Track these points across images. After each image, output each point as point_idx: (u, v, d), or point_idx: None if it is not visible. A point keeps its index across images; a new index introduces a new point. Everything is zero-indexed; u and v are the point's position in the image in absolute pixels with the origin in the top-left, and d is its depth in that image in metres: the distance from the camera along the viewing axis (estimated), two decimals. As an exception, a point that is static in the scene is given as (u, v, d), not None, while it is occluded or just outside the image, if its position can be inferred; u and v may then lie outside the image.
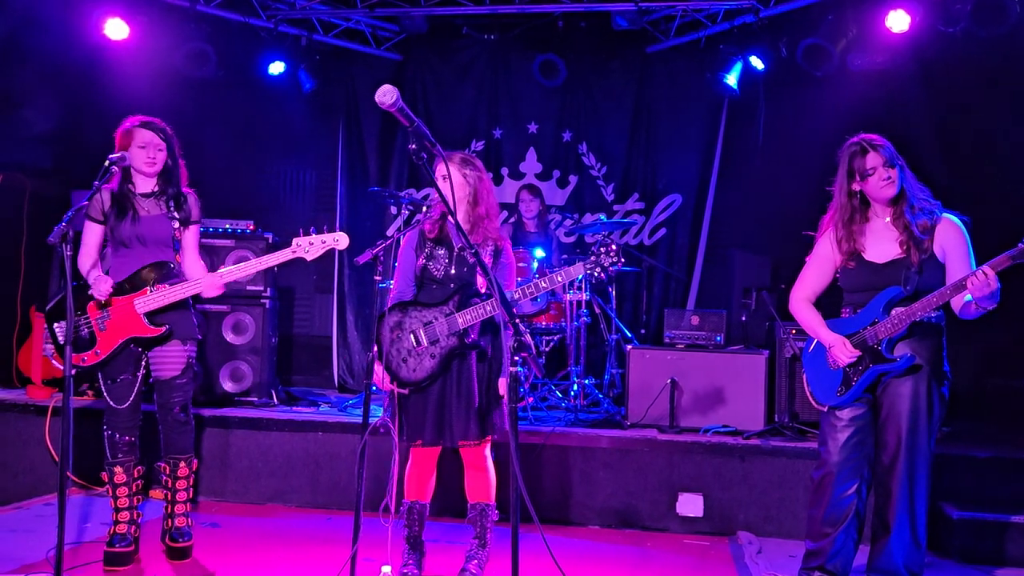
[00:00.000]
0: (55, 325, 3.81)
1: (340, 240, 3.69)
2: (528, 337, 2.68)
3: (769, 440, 4.84)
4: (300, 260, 3.77)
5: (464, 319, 3.40)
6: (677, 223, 7.21)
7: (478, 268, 3.45)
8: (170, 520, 3.96)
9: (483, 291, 3.49)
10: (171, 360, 3.84)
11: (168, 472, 3.94)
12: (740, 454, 4.73)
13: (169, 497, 3.96)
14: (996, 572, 4.11)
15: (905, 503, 3.28)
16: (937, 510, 4.35)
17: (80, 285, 3.78)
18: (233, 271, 3.85)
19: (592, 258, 3.33)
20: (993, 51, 5.71)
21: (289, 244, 3.76)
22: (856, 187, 3.36)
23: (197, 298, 3.94)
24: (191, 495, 4.03)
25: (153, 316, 3.75)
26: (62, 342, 3.76)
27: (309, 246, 3.69)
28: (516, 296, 3.39)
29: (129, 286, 3.77)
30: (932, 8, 5.63)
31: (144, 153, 3.78)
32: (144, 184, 3.87)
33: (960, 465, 4.58)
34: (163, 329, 3.75)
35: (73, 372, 3.63)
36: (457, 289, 3.49)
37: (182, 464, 3.94)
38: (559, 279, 3.38)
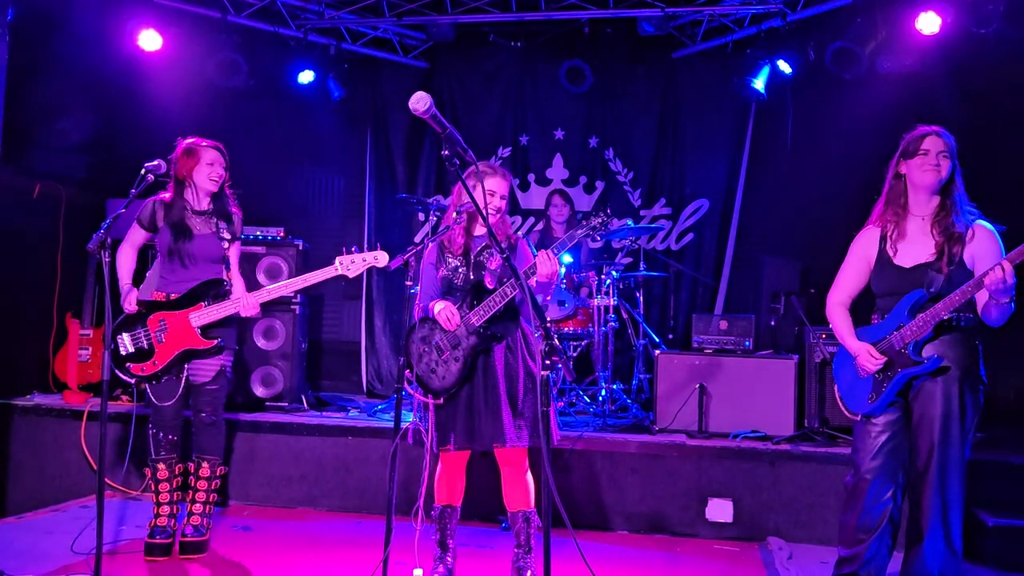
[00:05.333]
0: (118, 336, 3.96)
1: (380, 258, 3.79)
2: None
3: (799, 445, 4.81)
4: (319, 256, 3.91)
5: (477, 316, 3.49)
6: (704, 228, 7.18)
7: (486, 270, 3.58)
8: (187, 517, 4.12)
9: (490, 287, 3.55)
10: (206, 367, 4.05)
11: (192, 471, 4.14)
12: (770, 459, 4.71)
13: (191, 496, 4.14)
14: (1032, 579, 4.06)
15: (938, 509, 3.24)
16: (972, 517, 4.29)
17: (140, 300, 4.01)
18: (270, 291, 4.02)
19: (584, 222, 3.43)
20: (1026, 52, 5.65)
21: (331, 261, 3.90)
22: (903, 169, 3.34)
23: None
24: (212, 499, 4.18)
25: (206, 330, 3.96)
26: (123, 353, 3.97)
27: (351, 264, 3.80)
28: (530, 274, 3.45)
29: (185, 301, 3.97)
30: (963, 9, 5.57)
31: (212, 170, 4.01)
32: (198, 202, 4.08)
33: (996, 471, 4.53)
34: (216, 342, 3.97)
35: (134, 380, 3.92)
36: (468, 291, 3.57)
37: (205, 464, 4.13)
38: (555, 251, 3.40)
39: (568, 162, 7.42)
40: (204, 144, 4.03)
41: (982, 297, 3.13)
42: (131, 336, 3.95)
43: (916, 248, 3.31)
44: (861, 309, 3.52)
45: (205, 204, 4.08)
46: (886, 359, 3.28)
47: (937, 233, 3.26)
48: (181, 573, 3.85)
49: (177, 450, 4.09)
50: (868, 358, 3.30)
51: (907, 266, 3.29)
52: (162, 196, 4.06)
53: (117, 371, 3.89)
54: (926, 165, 3.27)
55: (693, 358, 5.32)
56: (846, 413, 3.46)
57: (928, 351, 3.24)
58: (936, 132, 3.32)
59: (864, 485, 3.33)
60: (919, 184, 3.31)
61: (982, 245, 3.22)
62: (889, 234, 3.37)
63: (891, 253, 3.35)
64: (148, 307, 3.99)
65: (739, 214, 7.11)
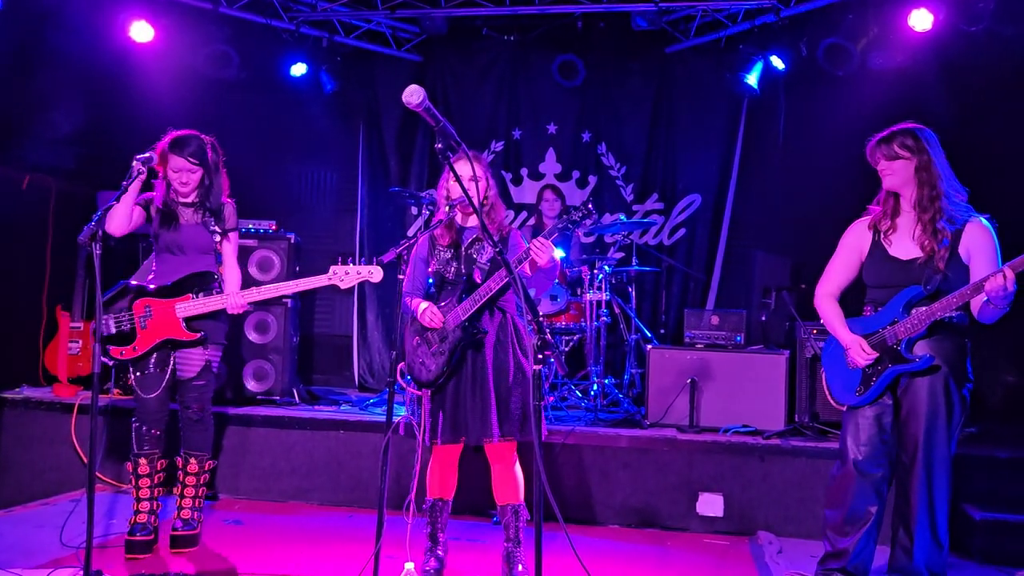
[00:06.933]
0: (103, 317, 3.95)
1: (375, 274, 3.78)
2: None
3: (789, 440, 4.83)
4: (311, 250, 3.86)
5: (464, 309, 3.50)
6: (697, 223, 7.20)
7: (476, 264, 3.59)
8: (177, 511, 4.12)
9: (479, 281, 3.56)
10: (192, 361, 4.03)
11: (181, 466, 4.14)
12: (760, 454, 4.73)
13: (179, 491, 4.14)
14: (1018, 573, 4.07)
15: (924, 503, 3.26)
16: (959, 511, 4.32)
17: (125, 285, 4.00)
18: (261, 291, 3.99)
19: (564, 216, 3.42)
20: (1016, 50, 5.67)
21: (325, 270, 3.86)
22: None
23: None
24: (201, 492, 4.17)
25: (190, 321, 3.94)
26: (105, 334, 3.95)
27: (345, 275, 3.79)
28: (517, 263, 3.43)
29: (173, 290, 3.95)
30: (954, 7, 5.60)
31: (177, 177, 3.97)
32: (183, 194, 4.04)
33: (982, 466, 4.56)
34: (198, 335, 3.95)
35: (112, 363, 3.92)
36: (458, 286, 3.59)
37: (193, 461, 4.12)
38: (538, 244, 3.38)
39: (561, 157, 7.42)
40: (170, 149, 3.91)
41: (979, 299, 3.14)
42: (115, 318, 3.95)
43: (908, 242, 3.33)
44: (849, 301, 3.54)
45: (192, 197, 4.04)
46: (877, 354, 3.30)
47: (926, 234, 3.27)
48: (173, 566, 3.84)
49: (160, 445, 4.05)
50: (860, 352, 3.32)
51: (903, 258, 3.31)
52: (152, 194, 4.03)
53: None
54: (881, 175, 3.37)
55: (684, 353, 5.34)
56: (832, 403, 3.49)
57: (919, 348, 3.25)
58: (875, 141, 3.37)
59: (850, 478, 3.35)
60: (884, 187, 3.39)
61: (976, 242, 3.23)
62: (884, 227, 3.39)
63: (886, 244, 3.37)
64: (136, 292, 3.97)
65: (731, 209, 7.12)
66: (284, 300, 5.88)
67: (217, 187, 4.06)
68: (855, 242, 3.48)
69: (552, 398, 5.84)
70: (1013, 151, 5.99)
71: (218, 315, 4.03)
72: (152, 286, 3.98)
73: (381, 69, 7.57)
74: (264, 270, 5.84)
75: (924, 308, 3.20)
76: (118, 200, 3.65)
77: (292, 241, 5.92)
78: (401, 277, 3.30)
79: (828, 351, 3.54)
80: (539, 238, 3.38)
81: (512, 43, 7.43)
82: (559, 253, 5.92)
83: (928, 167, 3.27)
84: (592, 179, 7.36)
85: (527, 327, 3.66)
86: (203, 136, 4.04)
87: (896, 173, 3.32)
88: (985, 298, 3.08)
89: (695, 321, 5.56)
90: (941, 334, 3.25)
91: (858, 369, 3.36)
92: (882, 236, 3.39)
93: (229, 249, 4.12)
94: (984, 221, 3.27)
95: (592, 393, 5.80)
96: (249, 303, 3.99)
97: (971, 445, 4.75)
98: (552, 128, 7.44)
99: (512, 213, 7.41)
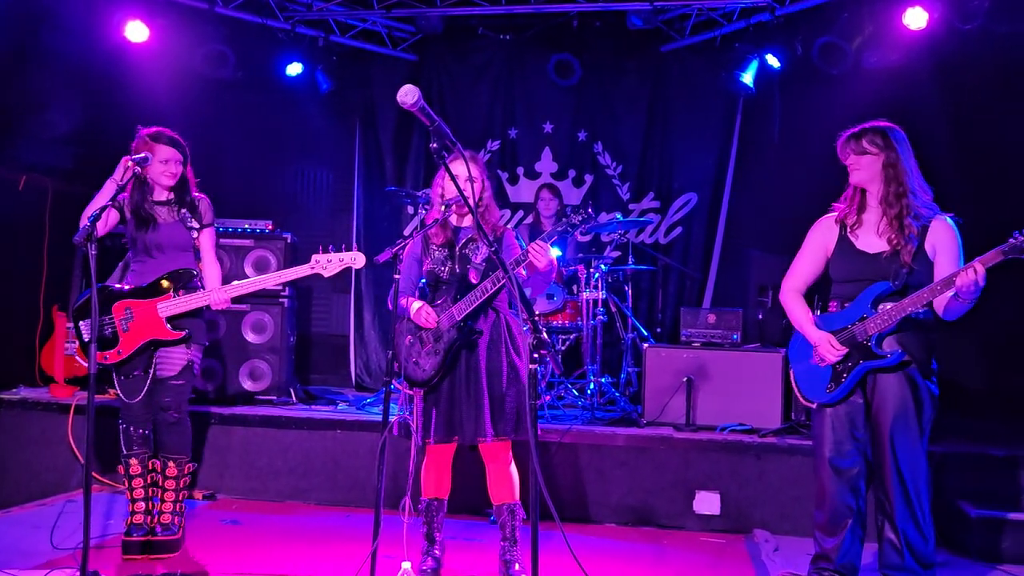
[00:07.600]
0: (81, 323, 3.92)
1: (357, 259, 3.79)
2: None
3: (785, 438, 4.84)
4: (308, 249, 3.87)
5: (459, 309, 3.50)
6: (693, 222, 7.21)
7: (471, 264, 3.59)
8: (157, 515, 4.04)
9: (474, 282, 3.56)
10: (173, 360, 3.97)
11: (159, 469, 4.05)
12: (756, 452, 4.74)
13: (160, 495, 4.05)
14: (1015, 570, 4.09)
15: (901, 498, 3.27)
16: (955, 508, 4.34)
17: (105, 286, 3.93)
18: (243, 285, 3.95)
19: (563, 219, 3.42)
20: (1010, 49, 5.68)
21: (308, 258, 3.86)
22: None
23: None
24: (182, 496, 4.10)
25: (173, 320, 3.89)
26: (87, 339, 3.88)
27: (328, 263, 3.78)
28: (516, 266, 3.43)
29: (152, 290, 3.90)
30: (949, 5, 5.61)
31: (166, 168, 3.92)
32: (160, 193, 4.00)
33: (978, 463, 4.57)
34: (183, 333, 3.90)
35: (95, 369, 3.79)
36: (452, 285, 3.59)
37: (171, 464, 4.04)
38: (537, 248, 3.38)
39: (557, 156, 7.42)
40: (158, 139, 3.89)
41: (943, 295, 3.16)
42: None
43: (876, 236, 3.35)
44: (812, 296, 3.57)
45: (166, 195, 3.99)
46: (847, 350, 3.31)
47: (892, 230, 3.29)
48: (169, 566, 3.84)
49: (149, 445, 4.02)
50: (829, 349, 3.33)
51: (871, 252, 3.33)
52: (125, 195, 3.95)
53: (79, 358, 3.83)
54: (850, 169, 3.40)
55: (681, 351, 5.35)
56: (802, 400, 3.49)
57: (888, 344, 3.27)
58: (845, 137, 3.42)
59: (828, 478, 3.36)
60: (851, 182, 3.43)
61: (940, 238, 3.26)
62: (850, 221, 3.41)
63: (853, 238, 3.39)
64: (114, 295, 3.91)
65: (727, 208, 7.13)
66: (281, 300, 5.88)
67: (188, 180, 4.04)
68: (821, 237, 3.50)
69: (549, 397, 5.84)
70: (1005, 149, 6.00)
71: (200, 314, 3.99)
72: (127, 287, 3.94)
73: (377, 69, 7.56)
74: (261, 270, 5.84)
75: (893, 304, 3.22)
76: (113, 200, 3.65)
77: (288, 241, 5.92)
78: (397, 276, 3.30)
79: (795, 348, 3.54)
80: (537, 241, 3.38)
81: (508, 42, 7.43)
82: (555, 252, 5.94)
83: (895, 164, 3.30)
84: (588, 178, 7.36)
85: (520, 325, 3.67)
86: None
87: (864, 168, 3.35)
88: (952, 293, 3.10)
89: (691, 320, 5.57)
90: (909, 330, 3.27)
91: (827, 366, 3.37)
92: (848, 231, 3.41)
93: (207, 245, 4.07)
94: (949, 220, 3.30)
95: (589, 392, 5.80)
96: (232, 298, 3.94)
97: (966, 442, 4.77)
98: (548, 127, 7.44)
99: (508, 212, 7.42)
